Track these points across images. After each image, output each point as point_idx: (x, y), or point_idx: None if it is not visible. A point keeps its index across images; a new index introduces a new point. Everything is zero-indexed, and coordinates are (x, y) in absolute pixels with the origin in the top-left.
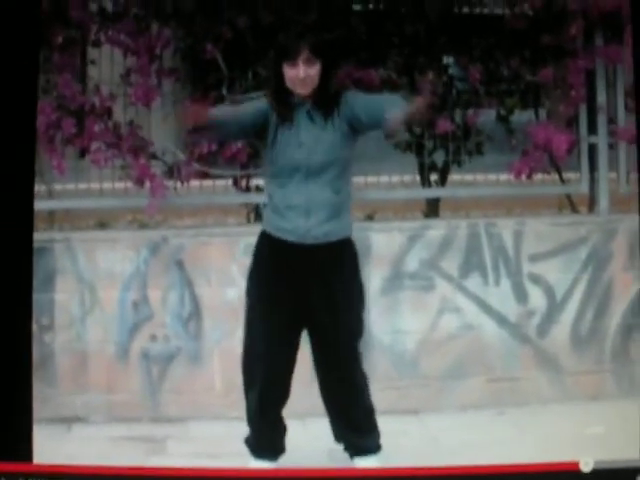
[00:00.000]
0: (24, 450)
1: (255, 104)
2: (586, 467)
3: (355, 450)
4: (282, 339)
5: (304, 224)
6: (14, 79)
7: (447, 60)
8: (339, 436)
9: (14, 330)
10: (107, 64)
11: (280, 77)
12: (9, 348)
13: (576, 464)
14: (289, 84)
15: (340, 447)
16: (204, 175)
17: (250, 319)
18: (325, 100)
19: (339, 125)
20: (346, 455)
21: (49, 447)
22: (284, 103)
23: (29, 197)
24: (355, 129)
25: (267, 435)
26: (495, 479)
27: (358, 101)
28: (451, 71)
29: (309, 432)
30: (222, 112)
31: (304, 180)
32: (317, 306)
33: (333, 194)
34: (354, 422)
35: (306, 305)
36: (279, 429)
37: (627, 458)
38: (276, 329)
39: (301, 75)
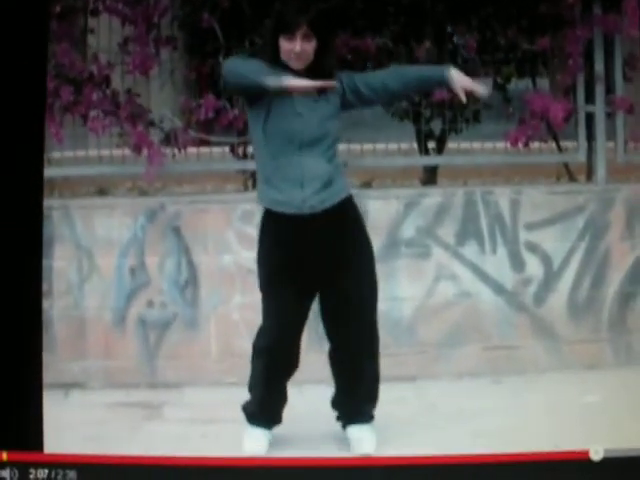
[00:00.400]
0: (35, 439)
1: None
2: (596, 455)
3: (349, 419)
4: (295, 310)
5: (299, 195)
6: (23, 51)
7: (444, 29)
8: (337, 402)
9: (24, 318)
10: (105, 33)
11: (276, 50)
12: (19, 338)
13: (586, 452)
14: (284, 57)
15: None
16: (201, 142)
17: (264, 296)
18: (320, 75)
19: (332, 99)
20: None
21: (47, 413)
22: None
23: (39, 164)
24: (348, 104)
25: (267, 404)
26: (502, 468)
27: (355, 77)
28: (448, 40)
29: (306, 400)
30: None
31: (297, 151)
32: (328, 272)
33: (326, 164)
34: (360, 389)
35: (316, 273)
36: (281, 399)
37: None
38: (288, 301)
39: (297, 49)
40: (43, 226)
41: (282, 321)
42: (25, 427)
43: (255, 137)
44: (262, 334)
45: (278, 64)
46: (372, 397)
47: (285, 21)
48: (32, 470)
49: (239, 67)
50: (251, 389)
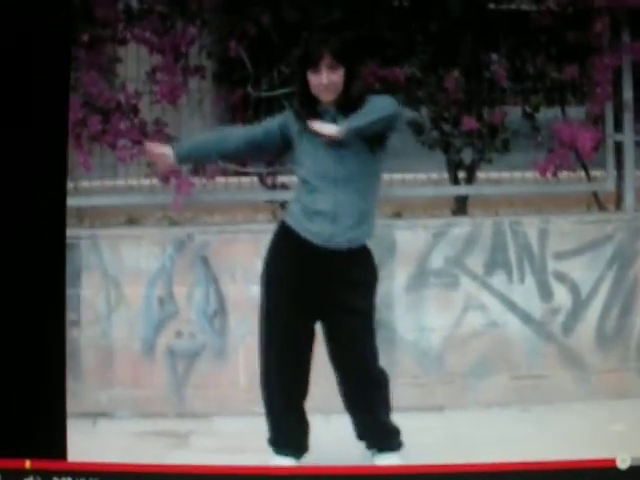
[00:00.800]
0: (58, 447)
1: (266, 124)
2: (623, 464)
3: (377, 448)
4: (296, 332)
5: (329, 229)
6: (47, 77)
7: (473, 57)
8: (360, 434)
9: (48, 327)
10: (133, 62)
11: (305, 85)
12: (43, 346)
13: (613, 461)
14: (314, 91)
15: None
16: (230, 172)
17: (266, 310)
18: (349, 105)
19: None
20: (369, 453)
21: (75, 442)
22: (310, 111)
23: (62, 194)
24: (368, 141)
25: (287, 432)
26: (531, 476)
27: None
28: (477, 69)
29: (333, 429)
30: (198, 144)
31: (333, 187)
32: (332, 305)
33: (361, 201)
34: (373, 420)
35: (321, 303)
36: (301, 426)
37: None
38: (291, 321)
39: (324, 81)
40: (66, 254)
41: (283, 339)
42: (48, 436)
43: (296, 166)
44: (265, 354)
45: (309, 98)
46: (389, 426)
47: (309, 54)
48: (55, 478)
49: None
50: (267, 418)
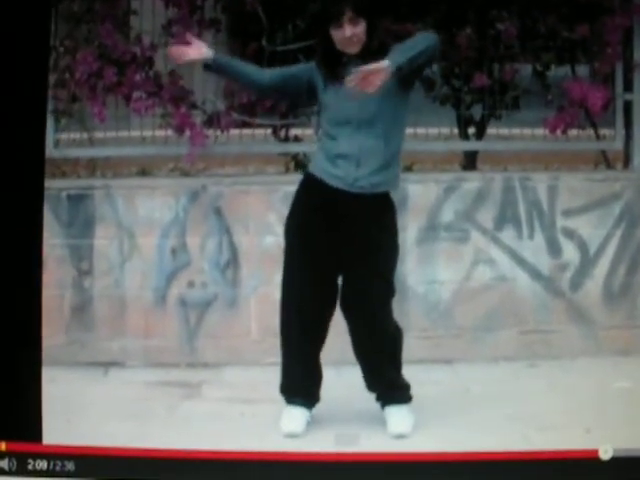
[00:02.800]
0: (34, 430)
1: (296, 70)
2: (605, 455)
3: (386, 400)
4: (317, 283)
5: (354, 173)
6: (25, 31)
7: (485, 15)
8: (370, 386)
9: (24, 304)
10: (149, 14)
11: (329, 41)
12: (17, 327)
13: (595, 452)
14: (339, 46)
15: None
16: (244, 124)
17: (288, 260)
18: (372, 54)
19: (394, 79)
20: (378, 405)
21: (86, 390)
22: (334, 63)
23: (40, 144)
24: (403, 79)
25: (301, 381)
26: (513, 465)
27: (395, 49)
28: (489, 26)
29: (343, 380)
30: (234, 61)
31: (356, 130)
32: (354, 253)
33: (384, 145)
34: (384, 373)
35: (342, 251)
36: (315, 376)
37: None
38: (312, 273)
39: (347, 34)
40: (80, 204)
41: (305, 289)
42: (24, 418)
43: (319, 112)
44: (286, 304)
45: (335, 53)
46: (400, 381)
47: (330, 11)
48: (30, 460)
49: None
50: (284, 367)
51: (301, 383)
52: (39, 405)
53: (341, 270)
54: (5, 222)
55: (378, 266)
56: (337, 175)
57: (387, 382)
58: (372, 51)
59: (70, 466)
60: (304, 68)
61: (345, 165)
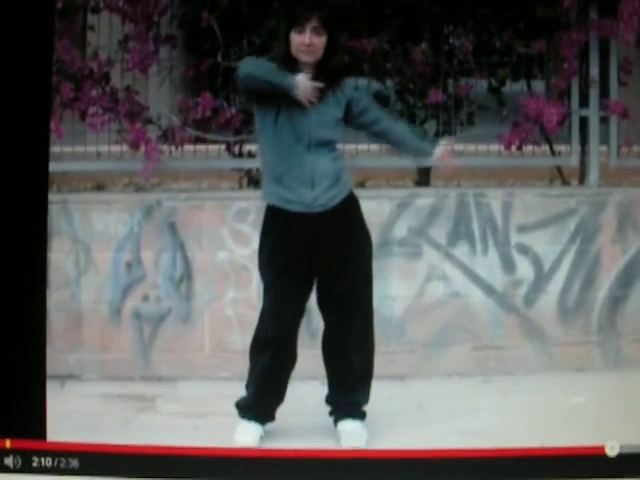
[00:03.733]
0: (38, 427)
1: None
2: (612, 451)
3: (340, 415)
4: (297, 305)
5: (310, 194)
6: (29, 46)
7: (441, 30)
8: (331, 398)
9: (28, 305)
10: (105, 30)
11: (287, 44)
12: (23, 325)
13: (601, 448)
14: (294, 51)
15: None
16: (198, 140)
17: (268, 291)
18: (328, 71)
19: (341, 102)
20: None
21: None
22: (289, 70)
23: (45, 158)
24: (348, 115)
25: (263, 399)
26: (518, 462)
27: (366, 104)
28: (444, 41)
29: (296, 395)
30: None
31: (307, 151)
32: (332, 266)
33: (333, 162)
34: (351, 383)
35: (321, 267)
36: (278, 396)
37: None
38: (292, 296)
39: (307, 41)
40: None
41: (285, 316)
42: (28, 415)
43: (263, 137)
44: (263, 329)
45: (289, 59)
46: (364, 393)
47: (297, 14)
48: (35, 458)
49: (253, 68)
50: (248, 386)
51: (262, 401)
52: (43, 403)
53: (318, 283)
54: (9, 230)
55: (356, 270)
56: (293, 199)
57: (352, 390)
58: (327, 66)
59: (74, 463)
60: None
61: (298, 187)
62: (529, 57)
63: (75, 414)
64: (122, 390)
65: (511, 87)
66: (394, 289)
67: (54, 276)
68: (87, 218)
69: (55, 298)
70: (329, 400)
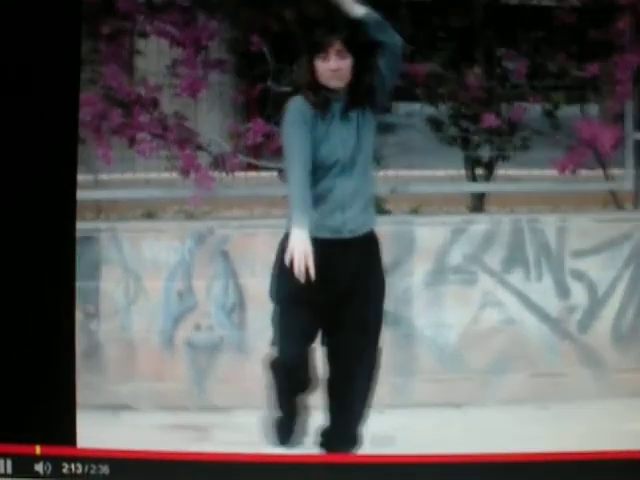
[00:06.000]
0: (68, 434)
1: (299, 137)
2: None
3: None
4: (311, 330)
5: (340, 218)
6: (57, 69)
7: (494, 54)
8: (325, 430)
9: (58, 315)
10: (154, 55)
11: (313, 73)
12: (53, 333)
13: None
14: (322, 79)
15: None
16: (249, 167)
17: (282, 314)
18: (359, 95)
19: (370, 116)
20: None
21: (96, 434)
22: (319, 96)
23: (72, 187)
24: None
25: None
26: (582, 465)
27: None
28: (498, 65)
29: None
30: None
31: (340, 174)
32: (349, 295)
33: (365, 184)
34: (348, 422)
35: (338, 295)
36: (297, 417)
37: None
38: (307, 320)
39: (332, 67)
40: (86, 247)
41: (300, 339)
42: (58, 422)
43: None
44: (280, 352)
45: (317, 87)
46: (357, 434)
47: (318, 40)
48: (65, 464)
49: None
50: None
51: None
52: (73, 409)
53: (334, 311)
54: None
55: (371, 303)
56: (323, 225)
57: (346, 429)
58: (358, 89)
59: (105, 470)
60: (301, 129)
61: (329, 212)
62: (583, 80)
63: (129, 445)
64: (177, 420)
65: (565, 111)
66: (449, 316)
67: (104, 305)
68: (137, 246)
69: (106, 327)
70: (324, 432)
